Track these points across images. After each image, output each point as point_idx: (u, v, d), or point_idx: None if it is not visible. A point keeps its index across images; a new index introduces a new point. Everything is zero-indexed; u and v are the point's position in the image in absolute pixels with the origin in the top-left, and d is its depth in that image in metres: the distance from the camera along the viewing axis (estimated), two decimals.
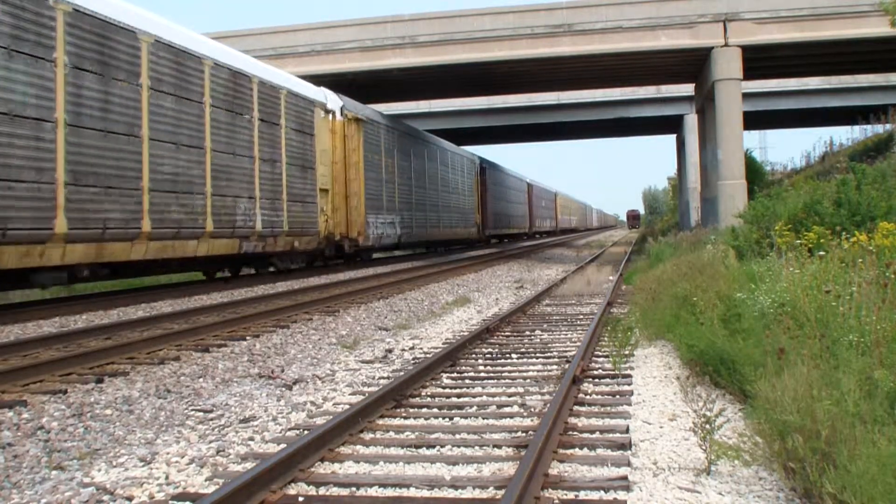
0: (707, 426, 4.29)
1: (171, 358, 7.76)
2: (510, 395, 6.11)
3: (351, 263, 22.57)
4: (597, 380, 6.66)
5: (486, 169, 39.12)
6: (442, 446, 4.75)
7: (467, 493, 3.98)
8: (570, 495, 3.87)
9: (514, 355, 7.96)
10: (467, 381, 6.81)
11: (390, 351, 8.61)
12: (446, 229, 31.70)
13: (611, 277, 17.66)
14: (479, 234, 37.18)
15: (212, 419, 5.68)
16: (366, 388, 6.60)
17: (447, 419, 5.46)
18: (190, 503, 3.92)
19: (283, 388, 6.70)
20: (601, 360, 7.52)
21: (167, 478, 4.34)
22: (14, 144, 10.11)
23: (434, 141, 30.96)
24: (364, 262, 23.45)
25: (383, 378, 7.04)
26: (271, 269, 18.34)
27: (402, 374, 6.82)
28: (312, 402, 6.13)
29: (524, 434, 4.94)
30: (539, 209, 59.14)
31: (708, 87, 23.87)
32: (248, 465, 4.53)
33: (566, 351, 8.07)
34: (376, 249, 24.63)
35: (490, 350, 8.29)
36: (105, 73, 11.84)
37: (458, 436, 4.99)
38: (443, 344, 8.89)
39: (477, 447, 4.73)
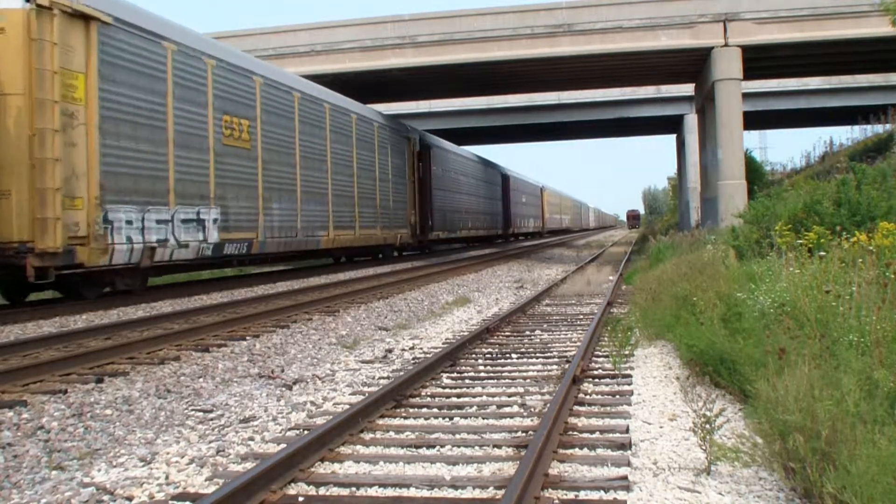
0: (707, 426, 4.28)
1: (171, 358, 7.75)
2: (510, 395, 6.11)
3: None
4: (597, 380, 6.66)
5: (430, 149, 28.79)
6: (442, 446, 4.75)
7: (467, 493, 3.98)
8: (570, 495, 3.87)
9: (514, 355, 7.95)
10: (467, 380, 6.81)
11: (390, 351, 8.61)
12: (345, 231, 20.72)
13: (611, 277, 17.66)
14: (414, 237, 26.88)
15: (212, 419, 5.68)
16: (366, 388, 6.60)
17: (447, 419, 5.46)
18: (190, 503, 3.92)
19: (283, 388, 6.70)
20: (601, 360, 7.52)
21: (167, 478, 4.34)
22: None
23: (314, 92, 19.39)
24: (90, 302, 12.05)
25: (383, 378, 7.04)
26: None
27: (402, 374, 6.82)
28: (312, 402, 6.13)
29: (524, 434, 4.94)
30: (519, 206, 49.15)
31: (708, 87, 23.87)
32: (248, 465, 4.53)
33: (566, 351, 8.07)
34: (151, 270, 13.72)
35: (490, 350, 8.28)
36: None
37: (458, 436, 4.99)
38: (443, 344, 8.89)
39: (477, 447, 4.73)
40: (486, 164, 40.97)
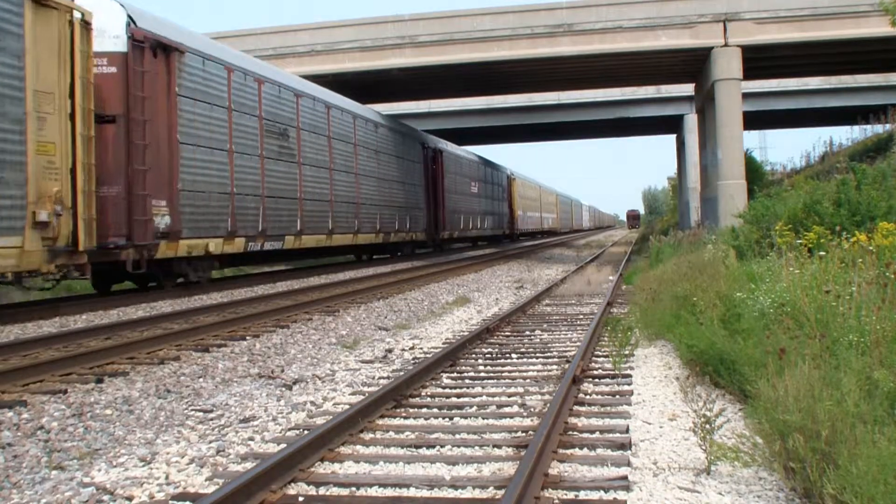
0: (707, 426, 4.28)
1: (171, 358, 7.75)
2: (510, 395, 6.11)
3: None
4: (597, 380, 6.65)
5: (169, 53, 13.53)
6: (442, 446, 4.75)
7: (467, 493, 3.98)
8: (570, 495, 3.87)
9: (514, 355, 7.95)
10: (467, 380, 6.81)
11: (390, 351, 8.61)
12: None
13: (611, 277, 17.66)
14: (62, 261, 10.57)
15: (212, 419, 5.68)
16: (366, 388, 6.60)
17: (447, 419, 5.46)
18: (190, 503, 3.92)
19: (283, 388, 6.70)
20: (601, 359, 7.52)
21: (167, 478, 4.34)
22: None
23: None
24: None
25: (383, 378, 7.04)
26: None
27: (402, 373, 6.82)
28: (312, 402, 6.13)
29: (524, 434, 4.94)
30: (463, 199, 33.64)
31: (708, 87, 23.87)
32: (248, 464, 4.53)
33: (566, 351, 8.07)
34: None
35: (490, 350, 8.28)
36: None
37: (457, 436, 4.99)
38: (443, 344, 8.88)
39: (477, 447, 4.73)
40: (389, 124, 25.05)
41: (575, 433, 4.93)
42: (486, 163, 40.39)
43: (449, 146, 32.94)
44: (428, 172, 28.84)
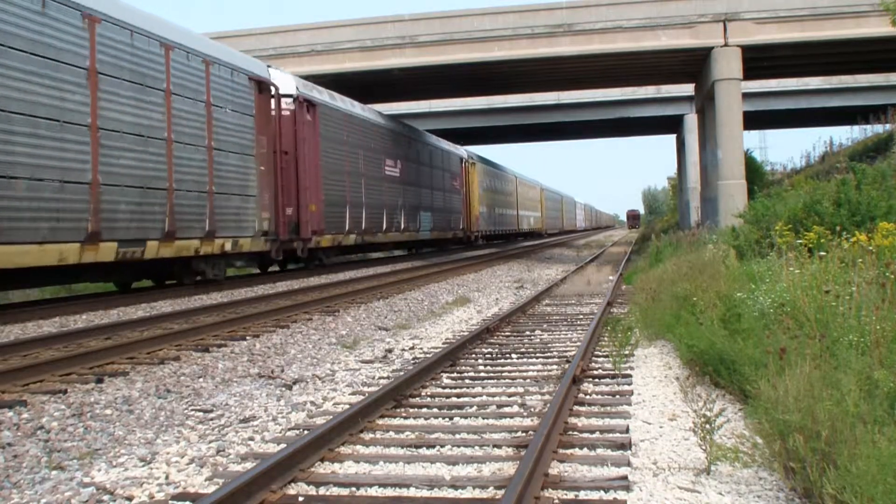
0: (707, 426, 4.28)
1: (171, 358, 7.76)
2: (510, 395, 6.11)
3: None
4: (597, 380, 6.65)
5: None
6: (442, 446, 4.75)
7: (467, 493, 3.98)
8: (570, 495, 3.87)
9: (513, 355, 7.95)
10: (467, 380, 6.81)
11: (390, 351, 8.61)
12: None
13: (611, 277, 17.66)
14: None
15: (212, 419, 5.68)
16: (366, 388, 6.60)
17: (447, 419, 5.46)
18: (190, 503, 3.92)
19: (283, 388, 6.70)
20: (601, 359, 7.52)
21: (167, 478, 4.34)
22: None
23: None
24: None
25: (383, 378, 7.04)
26: None
27: (402, 373, 6.82)
28: (312, 402, 6.13)
29: (524, 434, 4.94)
30: (367, 185, 22.22)
31: (708, 87, 23.87)
32: (248, 464, 4.53)
33: (566, 351, 8.06)
34: None
35: (490, 350, 8.28)
36: None
37: (457, 436, 4.99)
38: (443, 344, 8.88)
39: (477, 447, 4.73)
40: (173, 40, 13.32)
41: (575, 433, 4.93)
42: (420, 135, 28.48)
43: (335, 97, 20.70)
44: (278, 135, 17.15)
